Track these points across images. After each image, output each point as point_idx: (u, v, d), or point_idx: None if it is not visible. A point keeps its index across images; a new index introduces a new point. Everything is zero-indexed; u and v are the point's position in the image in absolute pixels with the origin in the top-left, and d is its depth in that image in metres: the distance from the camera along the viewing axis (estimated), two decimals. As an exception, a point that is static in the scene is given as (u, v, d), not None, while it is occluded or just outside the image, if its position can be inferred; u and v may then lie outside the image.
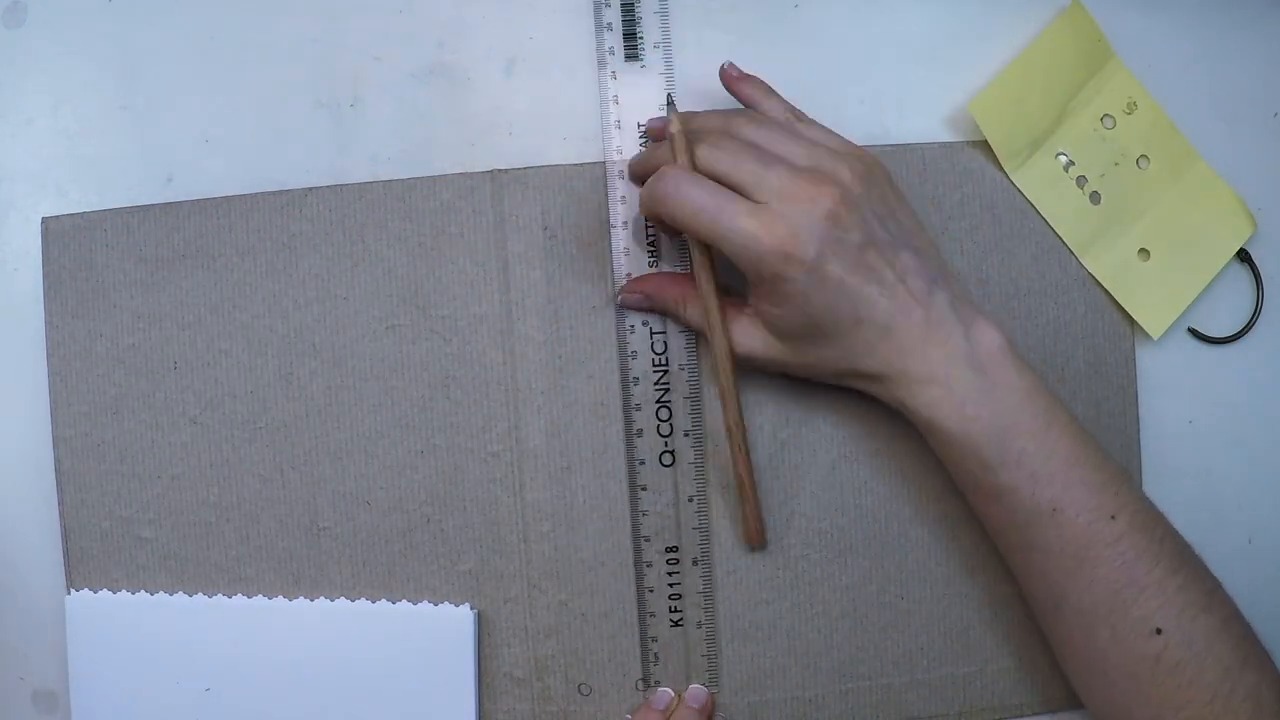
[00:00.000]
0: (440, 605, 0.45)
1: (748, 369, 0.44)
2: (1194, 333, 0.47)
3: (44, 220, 0.46)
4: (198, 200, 0.46)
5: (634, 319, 0.45)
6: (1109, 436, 0.46)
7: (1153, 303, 0.46)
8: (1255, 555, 0.47)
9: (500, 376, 0.45)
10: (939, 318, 0.40)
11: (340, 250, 0.45)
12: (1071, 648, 0.41)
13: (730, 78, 0.44)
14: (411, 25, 0.47)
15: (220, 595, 0.45)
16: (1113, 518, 0.39)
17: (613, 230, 0.45)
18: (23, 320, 0.46)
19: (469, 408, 0.45)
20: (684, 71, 0.46)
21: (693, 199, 0.39)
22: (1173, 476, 0.47)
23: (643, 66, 0.46)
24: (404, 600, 0.45)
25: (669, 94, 0.45)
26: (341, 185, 0.46)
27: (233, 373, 0.45)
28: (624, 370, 0.45)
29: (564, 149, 0.46)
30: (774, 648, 0.46)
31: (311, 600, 0.45)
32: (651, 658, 0.45)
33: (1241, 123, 0.48)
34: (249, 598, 0.45)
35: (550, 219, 0.45)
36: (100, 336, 0.45)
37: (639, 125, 0.46)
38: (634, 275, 0.45)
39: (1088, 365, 0.46)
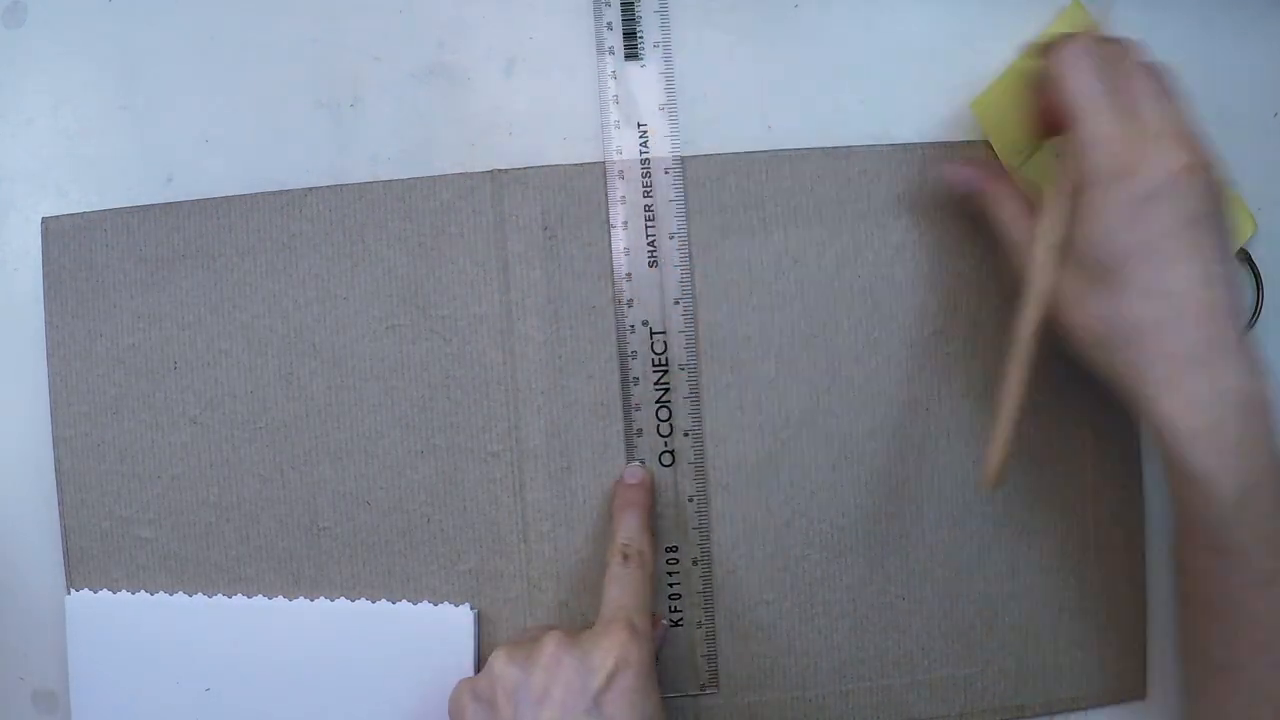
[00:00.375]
0: (440, 605, 0.45)
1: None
2: (1194, 333, 0.47)
3: (44, 220, 0.46)
4: (198, 200, 0.46)
5: (634, 319, 0.45)
6: (1109, 436, 0.46)
7: None
8: (1255, 555, 0.47)
9: (500, 376, 0.45)
10: (1235, 344, 0.37)
11: (340, 250, 0.45)
12: (1226, 712, 0.39)
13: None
14: (411, 25, 0.47)
15: (220, 595, 0.45)
16: None
17: (613, 230, 0.45)
18: (23, 320, 0.46)
19: (469, 408, 0.45)
20: (684, 71, 0.46)
21: (1090, 74, 0.38)
22: (1173, 476, 0.47)
23: (643, 66, 0.46)
24: (404, 600, 0.45)
25: None
26: (341, 185, 0.46)
27: (233, 373, 0.45)
28: (624, 370, 0.45)
29: (564, 149, 0.46)
30: (774, 648, 0.46)
31: (311, 600, 0.45)
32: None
33: (1241, 123, 0.48)
34: (249, 598, 0.45)
35: (550, 219, 0.45)
36: (100, 336, 0.45)
37: (639, 125, 0.45)
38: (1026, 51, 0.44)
39: (1088, 365, 0.46)
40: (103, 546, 0.45)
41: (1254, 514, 0.36)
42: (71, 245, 0.45)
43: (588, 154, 0.46)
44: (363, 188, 0.46)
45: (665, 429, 0.45)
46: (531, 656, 0.38)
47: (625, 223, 0.45)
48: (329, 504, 0.45)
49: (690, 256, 0.45)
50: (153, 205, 0.46)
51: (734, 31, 0.47)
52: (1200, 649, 0.40)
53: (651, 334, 0.45)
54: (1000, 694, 0.46)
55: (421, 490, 0.45)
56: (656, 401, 0.45)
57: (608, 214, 0.45)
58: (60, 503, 0.45)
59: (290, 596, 0.45)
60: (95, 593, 0.45)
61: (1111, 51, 0.40)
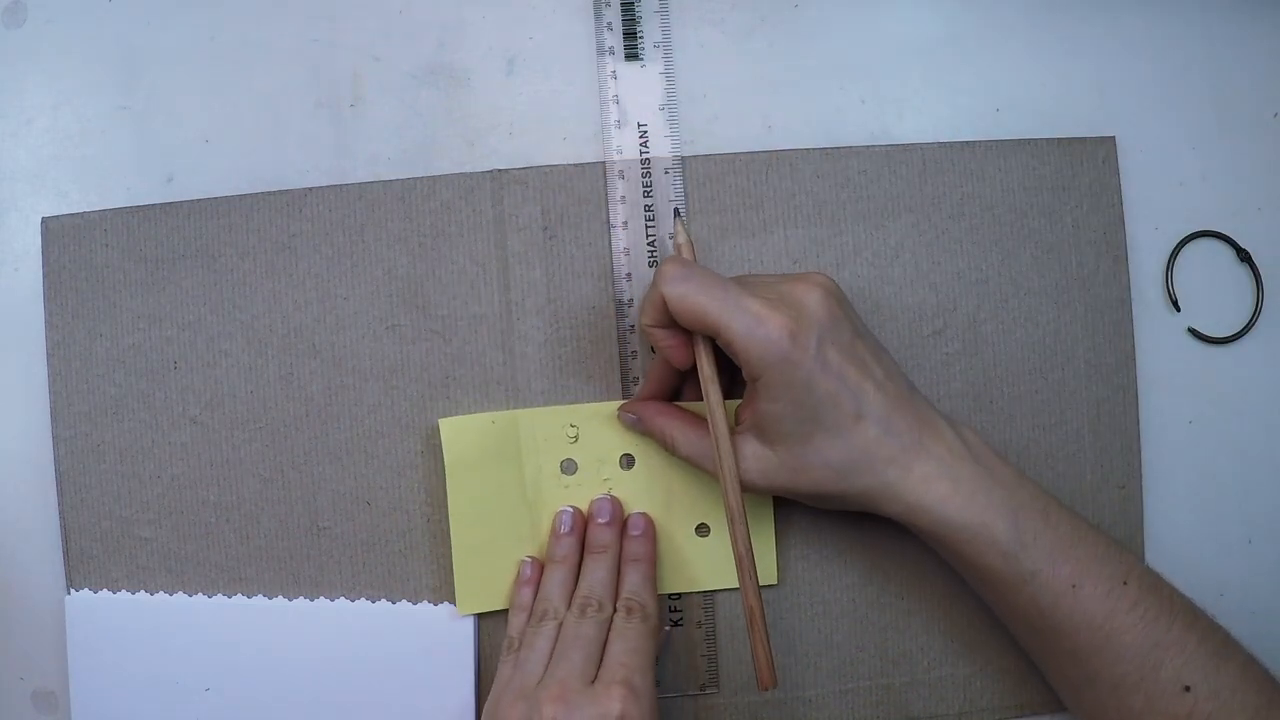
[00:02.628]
0: (440, 605, 0.45)
1: (762, 495, 0.43)
2: (1194, 333, 0.47)
3: (44, 220, 0.46)
4: (198, 200, 0.46)
5: (633, 318, 0.45)
6: (1109, 436, 0.46)
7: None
8: (1255, 555, 0.47)
9: (500, 376, 0.45)
10: (928, 417, 0.40)
11: (340, 250, 0.45)
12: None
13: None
14: (411, 25, 0.47)
15: (220, 595, 0.45)
16: (1125, 583, 0.39)
17: (613, 230, 0.45)
18: (23, 320, 0.46)
19: (469, 408, 0.45)
20: (684, 71, 0.46)
21: (701, 282, 0.39)
22: (1173, 476, 0.47)
23: (643, 66, 0.46)
24: (404, 600, 0.45)
25: (676, 208, 0.45)
26: (341, 185, 0.46)
27: (233, 373, 0.45)
28: (624, 370, 0.45)
29: (564, 149, 0.46)
30: (774, 648, 0.45)
31: (311, 600, 0.45)
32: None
33: (1241, 123, 0.48)
34: (249, 598, 0.45)
35: (550, 219, 0.45)
36: (100, 336, 0.45)
37: (639, 125, 0.46)
38: (639, 322, 0.43)
39: (1088, 365, 0.46)
40: (103, 546, 0.45)
41: (1030, 535, 0.39)
42: (71, 245, 0.45)
43: (588, 154, 0.46)
44: (363, 188, 0.45)
45: (665, 429, 0.45)
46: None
47: (625, 222, 0.45)
48: (329, 504, 0.45)
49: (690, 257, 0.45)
50: (153, 205, 0.46)
51: (734, 31, 0.47)
52: (1058, 679, 0.42)
53: (651, 334, 0.45)
54: (1000, 693, 0.46)
55: (421, 490, 0.45)
56: (656, 401, 0.45)
57: (608, 214, 0.45)
58: (60, 503, 0.45)
59: (290, 596, 0.45)
60: (95, 593, 0.45)
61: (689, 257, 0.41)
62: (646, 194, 0.45)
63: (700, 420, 0.42)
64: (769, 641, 0.40)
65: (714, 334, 0.39)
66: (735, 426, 0.42)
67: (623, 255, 0.45)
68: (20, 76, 0.47)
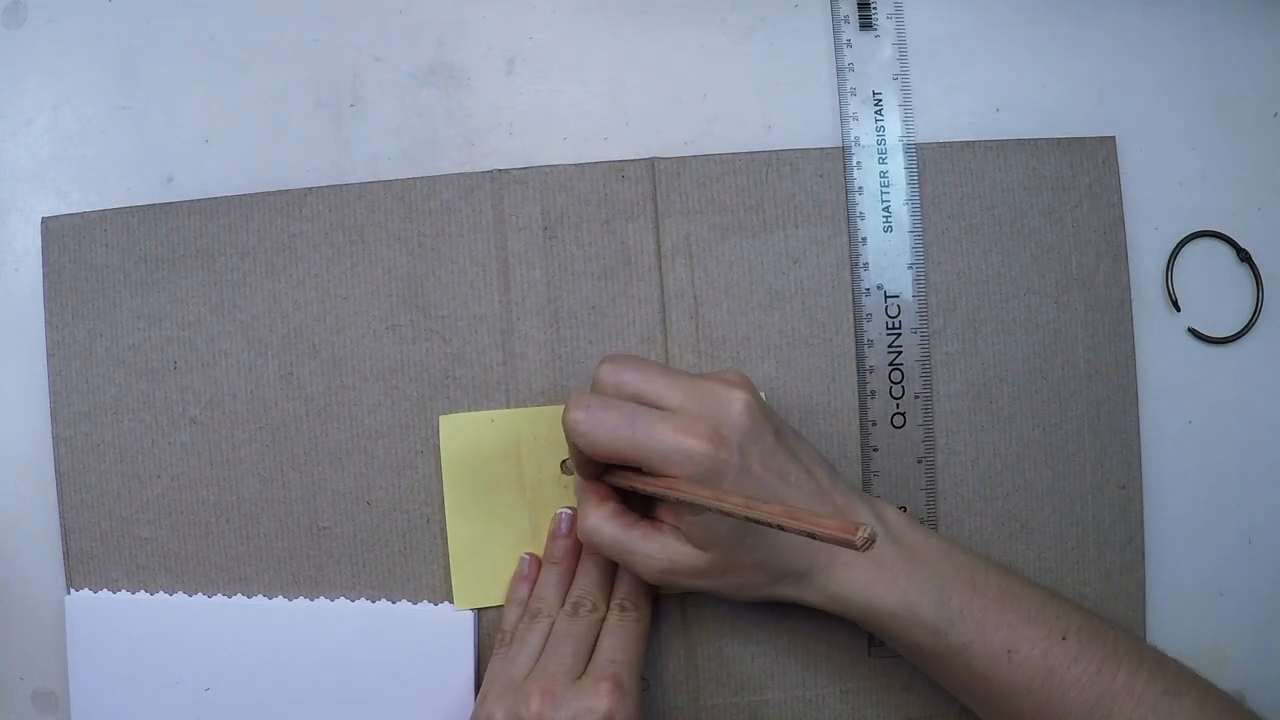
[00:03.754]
0: (440, 605, 0.45)
1: (672, 592, 0.43)
2: (1194, 333, 0.47)
3: (44, 220, 0.46)
4: (198, 200, 0.46)
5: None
6: (1109, 436, 0.46)
7: None
8: (1255, 555, 0.47)
9: (500, 376, 0.45)
10: (848, 503, 0.40)
11: (340, 250, 0.45)
12: None
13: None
14: (411, 25, 0.47)
15: (220, 595, 0.45)
16: (1064, 638, 0.39)
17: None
18: (23, 320, 0.46)
19: (469, 408, 0.45)
20: (685, 71, 0.46)
21: (607, 416, 0.38)
22: (1173, 476, 0.47)
23: (877, 36, 0.46)
24: (404, 600, 0.45)
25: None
26: (341, 185, 0.46)
27: (233, 373, 0.45)
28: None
29: (564, 149, 0.46)
30: (774, 648, 0.45)
31: (311, 600, 0.45)
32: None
33: (1241, 123, 0.48)
34: (249, 598, 0.45)
35: (550, 219, 0.45)
36: (100, 336, 0.45)
37: (873, 93, 0.46)
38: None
39: (1088, 365, 0.46)
40: (103, 546, 0.45)
41: (956, 610, 0.39)
42: (71, 245, 0.45)
43: (588, 154, 0.46)
44: (363, 188, 0.45)
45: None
46: (519, 715, 0.38)
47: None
48: (329, 504, 0.45)
49: (691, 256, 0.45)
50: (153, 205, 0.46)
51: (734, 31, 0.47)
52: None
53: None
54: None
55: (421, 490, 0.45)
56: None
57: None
58: (60, 503, 0.45)
59: (290, 596, 0.45)
60: (95, 593, 0.45)
61: (600, 389, 0.40)
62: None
63: (617, 516, 0.40)
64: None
65: (636, 465, 0.38)
66: (652, 519, 0.40)
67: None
68: (20, 76, 0.47)
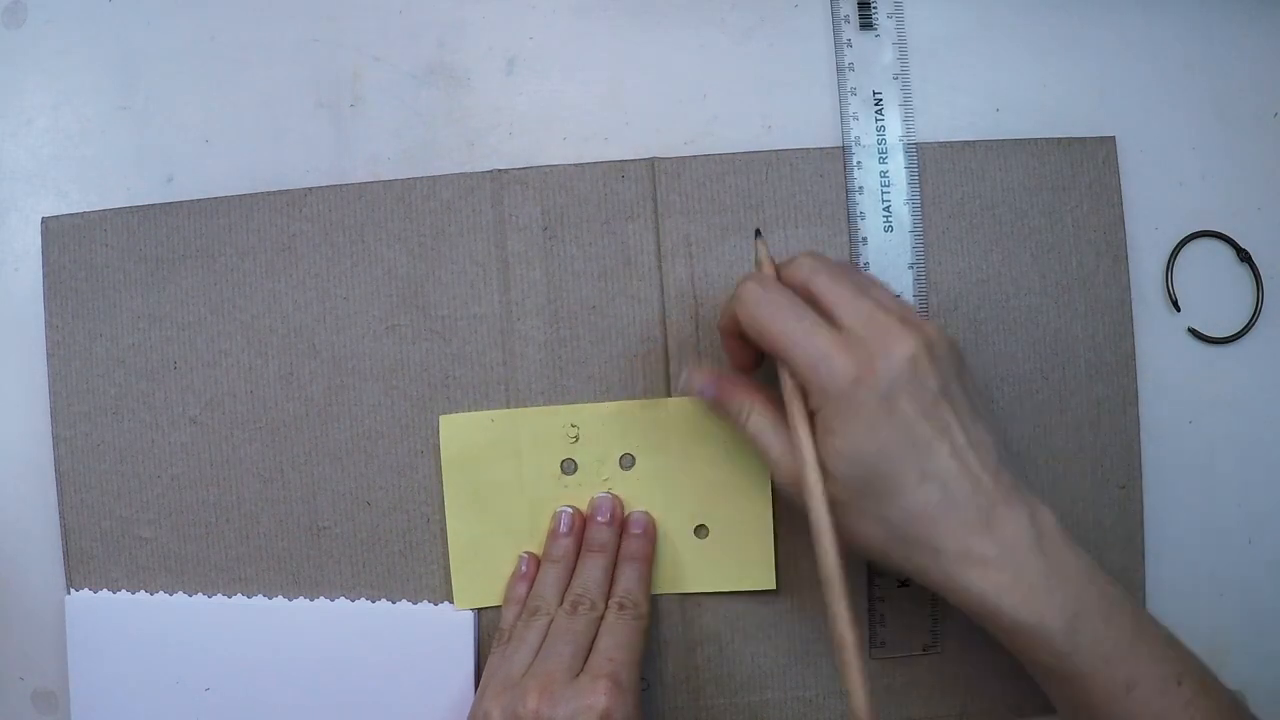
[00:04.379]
0: (440, 605, 0.45)
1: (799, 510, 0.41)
2: (1194, 333, 0.47)
3: (44, 220, 0.46)
4: (198, 200, 0.46)
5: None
6: (1109, 436, 0.46)
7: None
8: (1255, 555, 0.47)
9: (500, 376, 0.45)
10: (1006, 496, 0.38)
11: (340, 250, 0.45)
12: None
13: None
14: (411, 25, 0.47)
15: (220, 595, 0.45)
16: (1180, 683, 0.37)
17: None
18: (23, 320, 0.46)
19: (469, 407, 0.45)
20: (685, 72, 0.46)
21: (772, 308, 0.38)
22: (1173, 476, 0.47)
23: (877, 36, 0.46)
24: (404, 600, 0.45)
25: (757, 228, 0.43)
26: (341, 185, 0.46)
27: (233, 373, 0.45)
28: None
29: (564, 149, 0.46)
30: (774, 647, 0.46)
31: (311, 600, 0.45)
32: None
33: (1241, 123, 0.48)
34: (249, 598, 0.45)
35: (550, 219, 0.45)
36: (100, 336, 0.45)
37: (874, 93, 0.46)
38: (718, 323, 0.42)
39: (1088, 365, 0.46)
40: (103, 546, 0.45)
41: (1086, 638, 0.37)
42: (71, 245, 0.45)
43: (588, 154, 0.46)
44: (363, 188, 0.46)
45: (665, 429, 0.45)
46: (516, 713, 0.38)
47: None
48: (329, 504, 0.45)
49: (691, 256, 0.45)
50: (153, 205, 0.46)
51: (734, 31, 0.47)
52: None
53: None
54: (1000, 695, 0.46)
55: (421, 490, 0.45)
56: (656, 401, 0.45)
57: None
58: (60, 503, 0.45)
59: (290, 596, 0.45)
60: (95, 593, 0.45)
61: (788, 274, 0.39)
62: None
63: (779, 404, 0.40)
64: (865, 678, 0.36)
65: (778, 359, 0.38)
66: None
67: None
68: (20, 76, 0.47)
